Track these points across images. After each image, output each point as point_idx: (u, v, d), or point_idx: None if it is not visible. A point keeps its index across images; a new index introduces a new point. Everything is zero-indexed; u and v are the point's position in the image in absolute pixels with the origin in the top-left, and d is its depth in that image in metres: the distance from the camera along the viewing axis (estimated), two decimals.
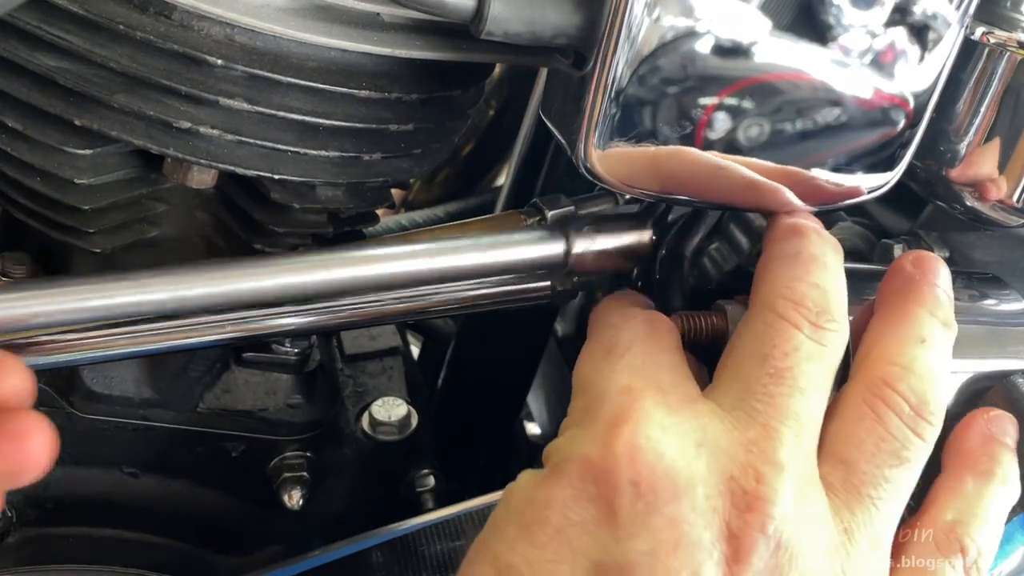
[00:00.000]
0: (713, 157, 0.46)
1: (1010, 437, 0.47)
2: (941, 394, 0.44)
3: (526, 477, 0.42)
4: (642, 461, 0.39)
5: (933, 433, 0.43)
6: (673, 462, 0.39)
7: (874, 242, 0.61)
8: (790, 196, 0.49)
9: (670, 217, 0.60)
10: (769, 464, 0.39)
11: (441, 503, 0.69)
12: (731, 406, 0.42)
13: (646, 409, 0.40)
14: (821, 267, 0.46)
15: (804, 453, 0.41)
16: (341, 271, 0.50)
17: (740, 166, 0.47)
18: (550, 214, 0.56)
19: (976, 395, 0.49)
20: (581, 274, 0.56)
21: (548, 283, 0.57)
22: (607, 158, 0.45)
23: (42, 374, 0.60)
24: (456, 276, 0.53)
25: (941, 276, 0.47)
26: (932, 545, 0.43)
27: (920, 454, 0.43)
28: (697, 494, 0.38)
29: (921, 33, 0.47)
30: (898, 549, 0.43)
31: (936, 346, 0.45)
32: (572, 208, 0.56)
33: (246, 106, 0.46)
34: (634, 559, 0.37)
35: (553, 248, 0.55)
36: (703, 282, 0.60)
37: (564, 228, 0.55)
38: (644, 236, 0.57)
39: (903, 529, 0.43)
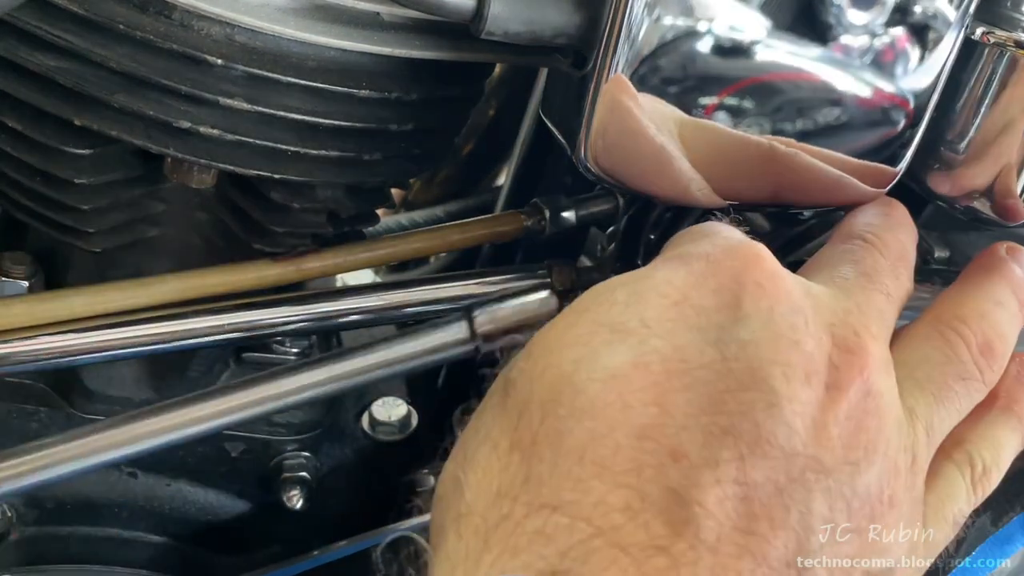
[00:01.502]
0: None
1: None
2: (1006, 349, 0.44)
3: (638, 271, 0.41)
4: (767, 268, 0.40)
5: (991, 378, 0.44)
6: (791, 284, 0.40)
7: None
8: (799, 190, 0.49)
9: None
10: (864, 328, 0.40)
11: None
12: (829, 287, 0.42)
13: (764, 249, 0.41)
14: (906, 232, 0.47)
15: (886, 340, 0.42)
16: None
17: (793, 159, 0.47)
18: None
19: None
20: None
21: (548, 281, 0.57)
22: (607, 158, 0.45)
23: (42, 374, 0.60)
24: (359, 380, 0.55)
25: None
26: (943, 455, 0.43)
27: (978, 391, 0.44)
28: (809, 319, 0.39)
29: (921, 33, 0.47)
30: None
31: (1011, 313, 0.45)
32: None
33: (246, 106, 0.46)
34: (757, 337, 0.37)
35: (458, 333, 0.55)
36: None
37: (468, 314, 0.55)
38: (550, 304, 0.56)
39: None
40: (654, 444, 0.35)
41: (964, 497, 0.43)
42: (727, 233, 0.42)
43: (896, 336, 0.44)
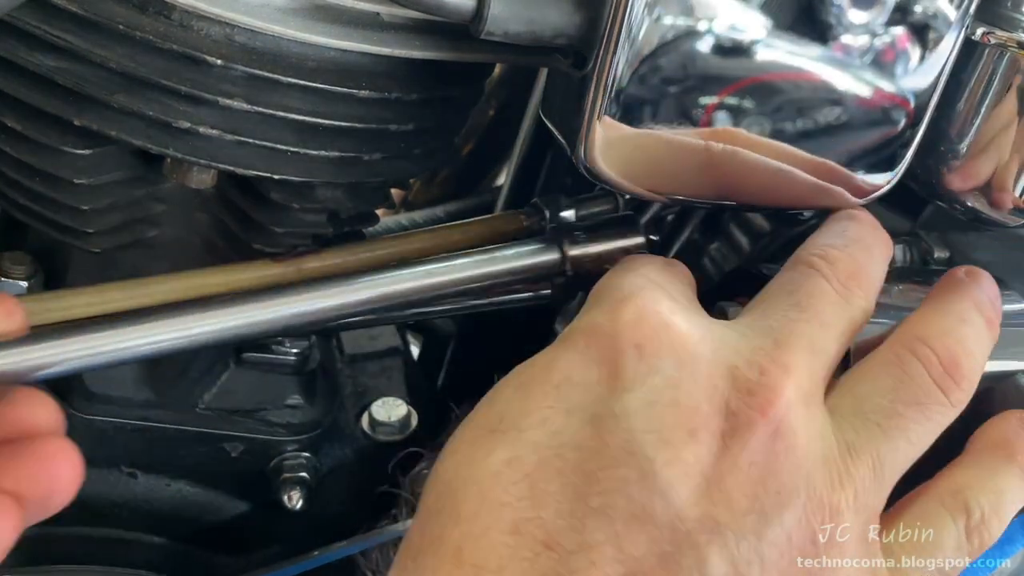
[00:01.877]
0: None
1: None
2: (974, 366, 0.42)
3: (531, 359, 0.41)
4: (649, 325, 0.39)
5: (959, 398, 0.42)
6: (679, 334, 0.39)
7: None
8: (800, 192, 0.49)
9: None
10: (776, 364, 0.39)
11: None
12: (746, 325, 0.41)
13: (658, 291, 0.40)
14: (864, 248, 0.45)
15: (812, 373, 0.40)
16: (335, 294, 0.50)
17: (747, 161, 0.47)
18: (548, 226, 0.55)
19: (978, 395, 0.49)
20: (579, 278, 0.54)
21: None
22: (607, 158, 0.45)
23: None
24: (452, 291, 0.52)
25: (990, 287, 0.46)
26: (936, 500, 0.42)
27: (941, 413, 0.41)
28: (700, 368, 0.38)
29: (921, 33, 0.47)
30: (902, 503, 0.42)
31: (977, 329, 0.44)
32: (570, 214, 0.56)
33: (246, 106, 0.46)
34: (631, 408, 0.37)
35: (549, 257, 0.53)
36: (703, 283, 0.60)
37: (558, 238, 0.54)
38: (636, 240, 0.54)
39: (910, 494, 0.42)
40: (528, 537, 0.35)
41: (954, 546, 0.41)
42: (624, 290, 0.41)
43: (856, 366, 0.43)
